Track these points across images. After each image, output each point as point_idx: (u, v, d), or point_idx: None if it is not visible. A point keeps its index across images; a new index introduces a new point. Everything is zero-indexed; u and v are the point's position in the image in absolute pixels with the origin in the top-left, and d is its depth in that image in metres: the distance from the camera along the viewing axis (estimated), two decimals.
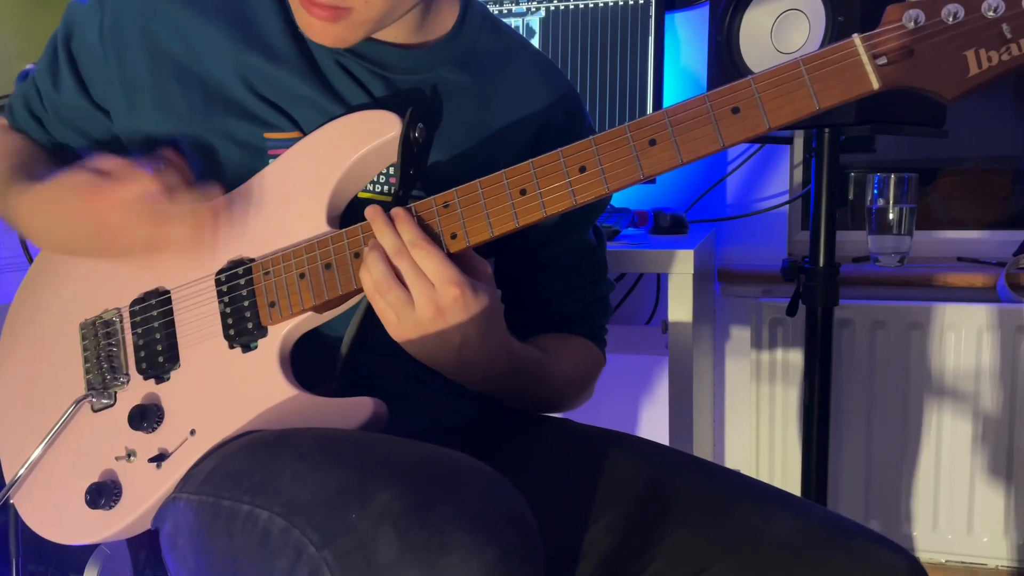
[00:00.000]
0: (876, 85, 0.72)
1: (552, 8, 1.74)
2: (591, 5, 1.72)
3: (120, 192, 0.80)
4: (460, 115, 0.92)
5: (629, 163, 0.76)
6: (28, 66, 1.06)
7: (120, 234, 0.82)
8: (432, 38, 0.92)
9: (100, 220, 0.82)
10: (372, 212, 0.80)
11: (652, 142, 0.75)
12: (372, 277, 0.78)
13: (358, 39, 0.84)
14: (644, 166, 0.76)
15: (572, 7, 1.73)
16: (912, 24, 0.71)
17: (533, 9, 1.76)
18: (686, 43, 1.92)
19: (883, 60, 0.71)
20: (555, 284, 1.01)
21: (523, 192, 0.78)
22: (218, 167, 0.87)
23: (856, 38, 0.72)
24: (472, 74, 0.94)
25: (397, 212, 0.79)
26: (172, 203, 0.80)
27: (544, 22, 1.75)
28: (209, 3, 0.89)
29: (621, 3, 1.71)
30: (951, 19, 0.70)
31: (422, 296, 0.77)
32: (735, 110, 0.74)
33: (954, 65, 0.70)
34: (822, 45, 1.34)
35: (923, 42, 0.71)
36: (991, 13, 0.69)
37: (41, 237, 0.93)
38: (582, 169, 0.77)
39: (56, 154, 1.01)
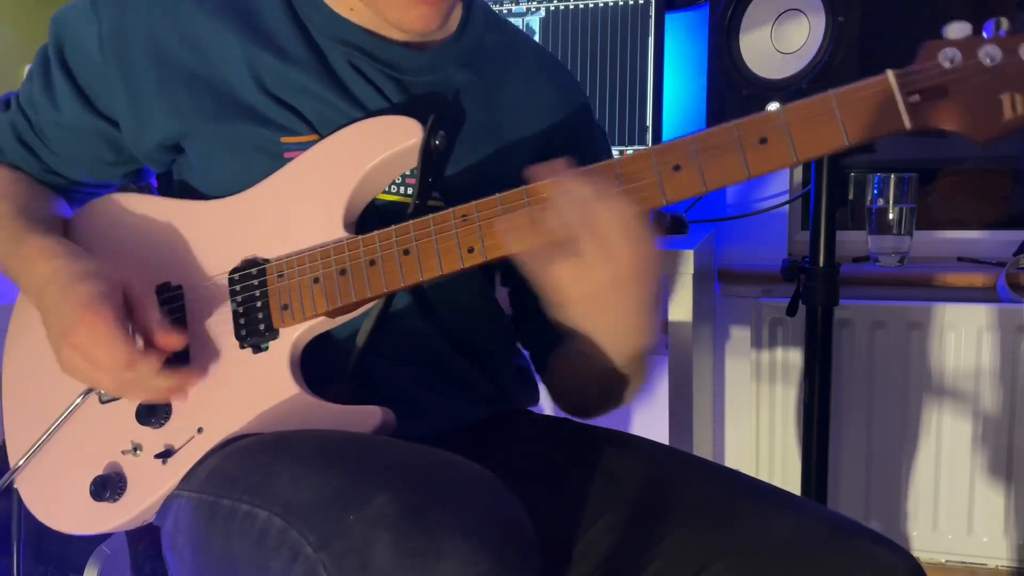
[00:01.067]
0: (908, 125, 0.70)
1: (552, 8, 1.74)
2: (591, 5, 1.72)
3: (103, 339, 0.78)
4: (470, 114, 0.92)
5: (652, 188, 0.74)
6: (7, 93, 1.01)
7: (67, 355, 0.80)
8: (439, 37, 0.92)
9: (67, 333, 0.79)
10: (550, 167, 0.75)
11: (677, 168, 0.74)
12: (562, 218, 0.72)
13: (449, 15, 0.86)
14: (667, 191, 0.74)
15: (572, 7, 1.73)
16: (948, 64, 0.69)
17: (533, 9, 1.76)
18: (686, 43, 1.92)
19: (916, 98, 0.69)
20: None
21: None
22: (234, 172, 0.87)
23: (890, 74, 0.70)
24: (478, 72, 0.94)
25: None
26: (123, 381, 0.79)
27: (544, 22, 1.75)
28: (218, 6, 0.88)
29: (621, 3, 1.71)
30: (988, 61, 0.68)
31: (625, 248, 0.71)
32: (763, 140, 0.72)
33: (989, 109, 0.69)
34: (822, 46, 1.34)
35: (959, 83, 0.69)
36: None
37: (26, 287, 0.89)
38: None
39: (48, 183, 0.98)
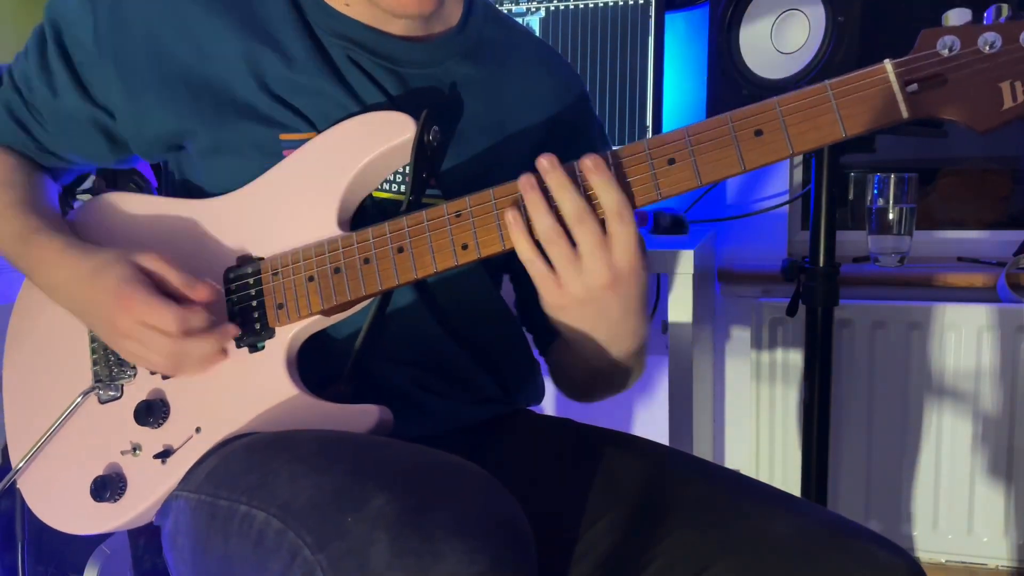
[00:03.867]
0: (905, 114, 0.69)
1: (552, 8, 1.74)
2: (591, 5, 1.72)
3: (145, 314, 0.79)
4: (469, 108, 0.91)
5: (646, 182, 0.74)
6: None
7: (123, 344, 0.82)
8: (439, 31, 0.92)
9: (113, 325, 0.81)
10: (548, 162, 0.74)
11: (671, 161, 0.73)
12: (539, 228, 0.73)
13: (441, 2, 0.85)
14: (661, 185, 0.73)
15: (572, 7, 1.73)
16: (947, 52, 0.67)
17: (533, 9, 1.76)
18: (686, 43, 1.92)
19: (914, 87, 0.68)
20: None
21: None
22: (233, 171, 0.87)
23: (888, 63, 0.69)
24: (479, 66, 0.93)
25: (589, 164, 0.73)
26: (184, 344, 0.80)
27: (544, 22, 1.75)
28: (217, 2, 0.88)
29: (621, 3, 1.70)
30: (988, 48, 0.67)
31: (598, 261, 0.72)
32: (758, 133, 0.71)
33: (989, 97, 0.67)
34: (822, 45, 1.34)
35: (957, 71, 0.67)
36: None
37: (44, 288, 0.90)
38: None
39: (43, 164, 0.98)
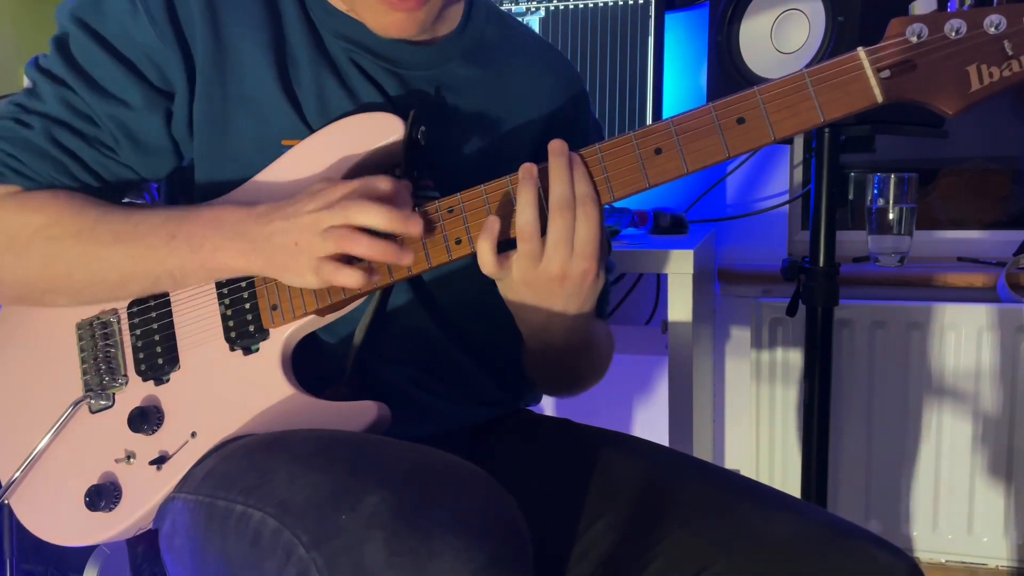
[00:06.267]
0: (880, 98, 0.72)
1: (552, 8, 1.74)
2: (591, 5, 1.72)
3: (352, 210, 0.75)
4: (470, 109, 0.92)
5: (634, 171, 0.76)
6: None
7: (321, 262, 0.76)
8: (441, 33, 0.92)
9: (312, 243, 0.75)
10: (557, 147, 0.77)
11: (658, 151, 0.76)
12: (520, 220, 0.76)
13: (430, 22, 0.85)
14: (650, 175, 0.76)
15: (572, 7, 1.73)
16: (915, 38, 0.71)
17: (533, 9, 1.76)
18: (686, 43, 1.92)
19: (886, 73, 0.72)
20: None
21: None
22: (234, 174, 0.86)
23: (861, 51, 0.73)
24: (481, 67, 0.93)
25: (578, 160, 0.77)
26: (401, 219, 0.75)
27: (544, 22, 1.75)
28: (251, 6, 0.85)
29: (621, 3, 1.70)
30: (953, 34, 0.71)
31: (556, 257, 0.76)
32: (740, 120, 0.75)
33: (956, 80, 0.71)
34: (822, 45, 1.34)
35: (926, 56, 0.71)
36: (993, 29, 0.70)
37: (235, 236, 0.79)
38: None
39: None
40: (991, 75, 0.70)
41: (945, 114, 0.72)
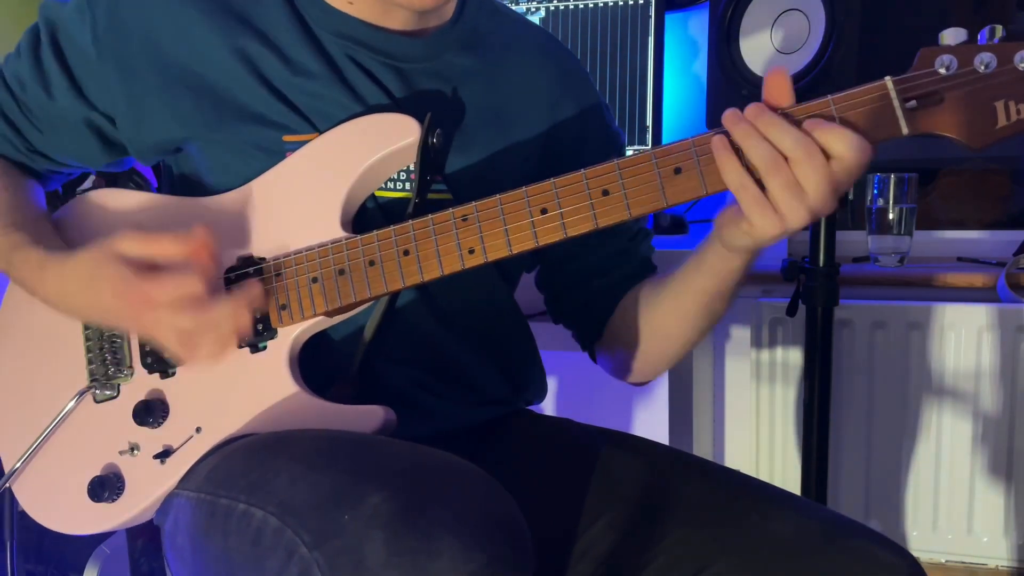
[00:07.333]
0: (904, 131, 0.71)
1: (552, 8, 1.74)
2: (591, 5, 1.72)
3: (159, 294, 0.75)
4: (470, 100, 0.91)
5: (653, 190, 0.75)
6: None
7: (154, 333, 0.79)
8: (435, 24, 0.92)
9: (136, 319, 0.78)
10: (755, 110, 0.72)
11: (677, 170, 0.74)
12: (759, 155, 0.70)
13: None
14: (668, 195, 0.75)
15: (572, 7, 1.73)
16: (944, 71, 0.70)
17: (533, 9, 1.76)
18: (686, 43, 1.92)
19: (912, 104, 0.70)
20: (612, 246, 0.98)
21: (543, 211, 0.76)
22: (236, 172, 0.86)
23: (889, 81, 0.71)
24: (478, 56, 0.93)
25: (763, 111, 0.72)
26: (209, 305, 0.76)
27: (544, 22, 1.75)
28: (213, 4, 0.87)
29: (621, 3, 1.70)
30: (983, 68, 0.69)
31: (825, 193, 0.71)
32: None
33: (983, 115, 0.70)
34: (822, 45, 1.34)
35: (954, 90, 0.70)
36: (1023, 66, 0.68)
37: (51, 300, 0.86)
38: (605, 192, 0.76)
39: (27, 165, 0.96)
40: (1019, 112, 0.69)
41: (970, 149, 0.71)
